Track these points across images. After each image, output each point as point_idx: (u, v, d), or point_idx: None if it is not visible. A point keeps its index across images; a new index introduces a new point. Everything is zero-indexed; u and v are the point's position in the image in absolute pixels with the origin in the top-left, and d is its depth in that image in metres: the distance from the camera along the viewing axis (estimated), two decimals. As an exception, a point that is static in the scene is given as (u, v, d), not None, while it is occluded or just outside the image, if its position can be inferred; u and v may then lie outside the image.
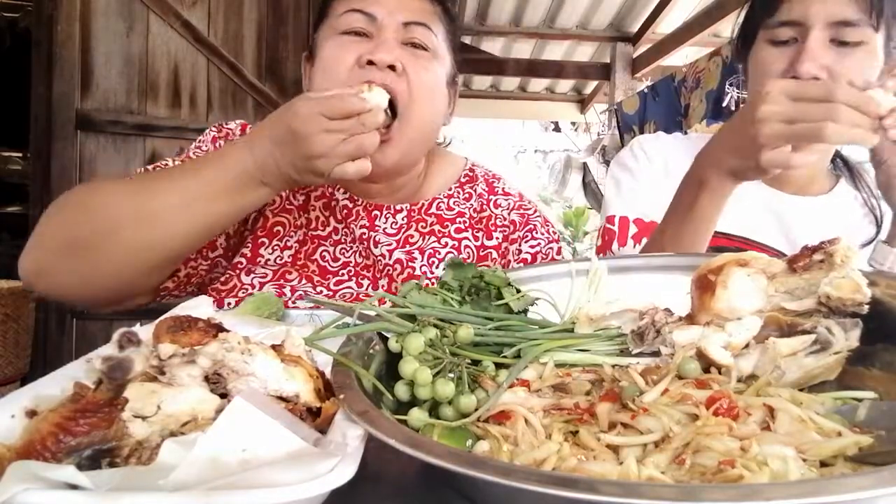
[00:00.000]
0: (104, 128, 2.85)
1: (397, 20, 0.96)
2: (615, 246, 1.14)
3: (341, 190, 1.10)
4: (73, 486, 0.39)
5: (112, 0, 2.85)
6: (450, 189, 1.15)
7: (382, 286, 1.06)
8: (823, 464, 0.43)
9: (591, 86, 6.81)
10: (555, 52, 6.04)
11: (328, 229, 1.08)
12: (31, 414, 0.47)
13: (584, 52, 6.06)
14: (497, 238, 1.11)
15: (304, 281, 1.03)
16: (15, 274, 0.90)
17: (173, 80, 2.98)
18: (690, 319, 0.64)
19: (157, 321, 0.54)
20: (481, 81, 7.02)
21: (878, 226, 1.16)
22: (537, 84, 7.01)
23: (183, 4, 2.96)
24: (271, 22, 3.14)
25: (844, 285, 0.58)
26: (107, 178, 0.89)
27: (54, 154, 2.78)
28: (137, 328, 0.55)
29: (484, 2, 5.13)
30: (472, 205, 1.13)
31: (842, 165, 1.24)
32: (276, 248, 1.05)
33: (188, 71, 3.00)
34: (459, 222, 1.11)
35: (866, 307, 0.58)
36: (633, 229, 1.15)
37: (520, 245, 1.11)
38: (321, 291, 1.03)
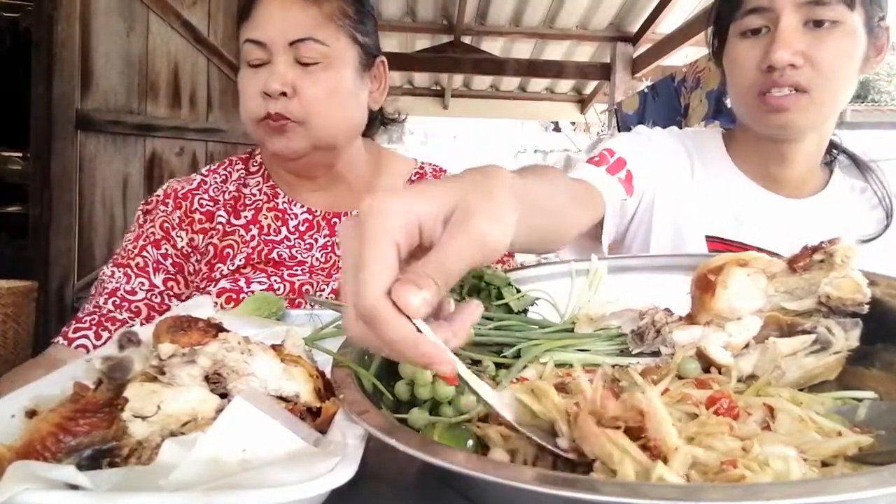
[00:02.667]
0: (104, 128, 2.85)
1: (285, 40, 1.01)
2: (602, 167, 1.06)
3: (298, 205, 1.13)
4: (73, 486, 0.39)
5: (112, 0, 2.85)
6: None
7: (333, 275, 1.09)
8: (824, 464, 0.43)
9: (591, 86, 6.81)
10: (555, 52, 6.04)
11: (280, 236, 1.11)
12: (31, 414, 0.47)
13: (584, 52, 6.06)
14: None
15: (258, 272, 1.05)
16: (15, 274, 0.90)
17: (173, 80, 2.98)
18: (690, 319, 0.64)
19: (157, 321, 0.54)
20: (481, 81, 7.02)
21: (889, 217, 1.11)
22: (537, 84, 7.01)
23: (183, 4, 2.95)
24: (271, 22, 3.13)
25: (844, 285, 0.58)
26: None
27: (54, 154, 2.78)
28: (137, 328, 0.55)
29: (484, 2, 5.13)
30: None
31: (845, 160, 1.17)
32: (230, 263, 1.07)
33: (188, 71, 3.00)
34: None
35: (866, 307, 0.58)
36: (622, 173, 1.07)
37: None
38: (275, 281, 1.04)
